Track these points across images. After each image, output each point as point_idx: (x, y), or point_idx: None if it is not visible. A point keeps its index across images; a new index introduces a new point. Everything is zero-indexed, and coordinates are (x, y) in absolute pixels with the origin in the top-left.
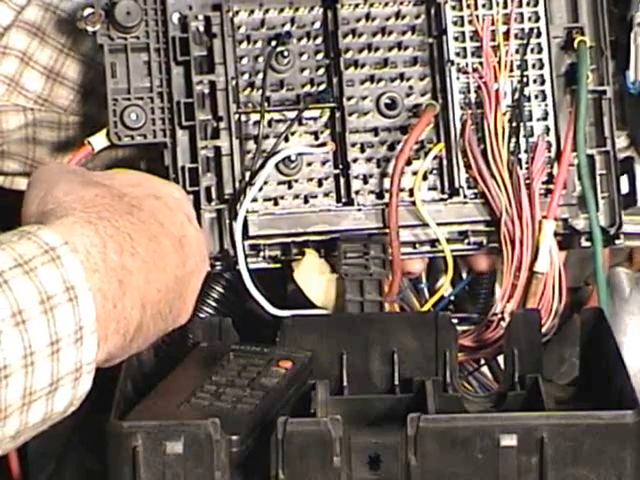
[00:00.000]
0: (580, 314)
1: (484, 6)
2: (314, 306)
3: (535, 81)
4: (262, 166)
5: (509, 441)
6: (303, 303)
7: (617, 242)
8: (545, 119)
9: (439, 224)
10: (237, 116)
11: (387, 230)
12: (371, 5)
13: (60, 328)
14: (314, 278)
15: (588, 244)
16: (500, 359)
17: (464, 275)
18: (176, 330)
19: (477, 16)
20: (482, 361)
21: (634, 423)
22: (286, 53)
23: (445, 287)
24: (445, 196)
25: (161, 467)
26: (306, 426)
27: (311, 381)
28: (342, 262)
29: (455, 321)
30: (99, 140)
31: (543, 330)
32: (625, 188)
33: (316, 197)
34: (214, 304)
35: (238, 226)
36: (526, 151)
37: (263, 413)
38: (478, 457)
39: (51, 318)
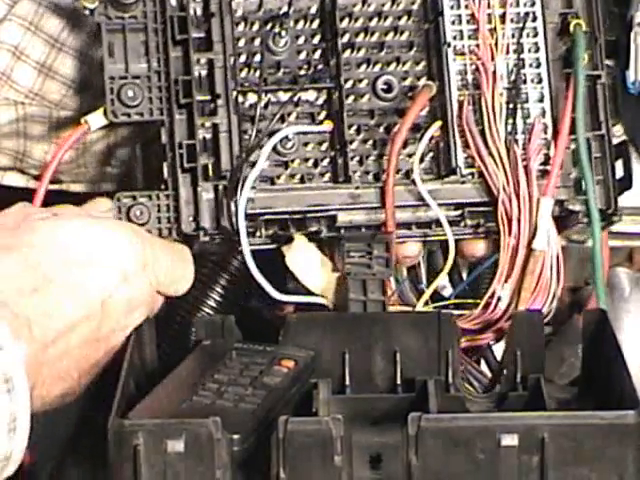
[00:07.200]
0: (582, 315)
1: None
2: (310, 292)
3: (531, 64)
4: (260, 146)
5: (510, 441)
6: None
7: (614, 219)
8: (541, 101)
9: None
10: (235, 93)
11: (383, 210)
12: None
13: None
14: (305, 262)
15: (586, 220)
16: (497, 352)
17: (464, 276)
18: (178, 328)
19: None
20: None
21: (635, 423)
22: (283, 34)
23: (446, 270)
24: (442, 176)
25: (162, 465)
26: (307, 425)
27: (313, 380)
28: (345, 261)
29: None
30: (96, 118)
31: None
32: (620, 173)
33: (312, 177)
34: (214, 304)
35: (241, 207)
36: (523, 132)
37: (265, 412)
38: (479, 457)
39: None
